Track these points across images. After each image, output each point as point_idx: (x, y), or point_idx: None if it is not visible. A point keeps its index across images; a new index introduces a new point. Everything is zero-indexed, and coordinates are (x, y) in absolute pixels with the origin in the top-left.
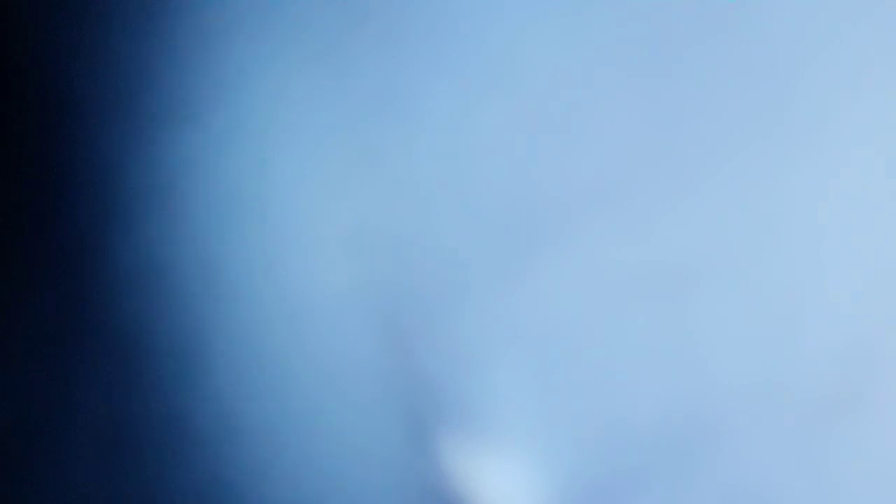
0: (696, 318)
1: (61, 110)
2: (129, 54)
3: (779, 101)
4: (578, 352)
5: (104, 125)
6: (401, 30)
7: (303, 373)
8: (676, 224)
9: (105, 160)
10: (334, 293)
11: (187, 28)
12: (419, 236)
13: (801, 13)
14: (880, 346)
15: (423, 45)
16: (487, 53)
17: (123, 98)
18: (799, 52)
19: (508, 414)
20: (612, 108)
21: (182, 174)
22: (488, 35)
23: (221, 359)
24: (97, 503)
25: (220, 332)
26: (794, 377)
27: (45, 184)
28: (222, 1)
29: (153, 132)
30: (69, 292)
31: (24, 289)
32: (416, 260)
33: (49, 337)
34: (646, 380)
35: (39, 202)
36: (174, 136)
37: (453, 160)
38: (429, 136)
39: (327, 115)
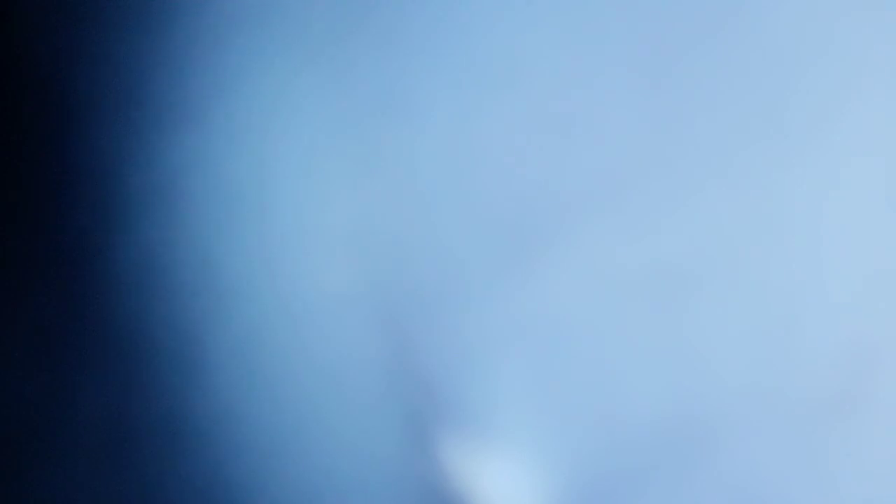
0: (696, 318)
1: (61, 110)
2: (129, 54)
3: (779, 101)
4: (579, 352)
5: (104, 125)
6: (401, 30)
7: (302, 372)
8: (677, 224)
9: (105, 160)
10: (334, 293)
11: (187, 28)
12: (419, 236)
13: (801, 14)
14: (880, 347)
15: (423, 45)
16: (488, 53)
17: (123, 98)
18: (799, 53)
19: (508, 414)
20: (612, 109)
21: (182, 174)
22: (488, 35)
23: (221, 358)
24: (97, 503)
25: (219, 332)
26: (794, 377)
27: (45, 184)
28: (222, 1)
29: (153, 132)
30: (69, 292)
31: (24, 289)
32: (416, 260)
33: (49, 337)
34: (646, 380)
35: (39, 202)
36: (174, 136)
37: (453, 160)
38: (429, 136)
39: (327, 115)
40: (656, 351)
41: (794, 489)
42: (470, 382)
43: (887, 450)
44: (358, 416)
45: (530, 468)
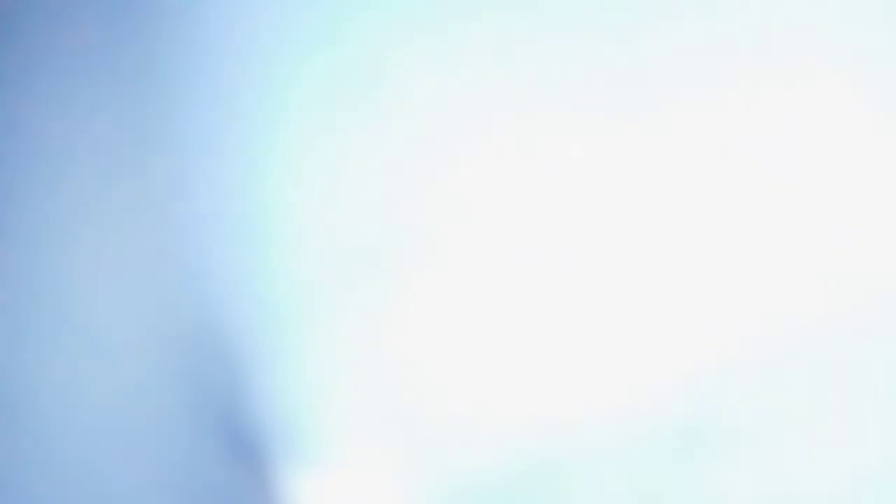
0: (543, 349)
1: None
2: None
3: (657, 95)
4: (427, 383)
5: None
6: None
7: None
8: (534, 252)
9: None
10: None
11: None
12: (257, 263)
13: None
14: (733, 373)
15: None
16: (350, 60)
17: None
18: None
19: (355, 447)
20: (479, 128)
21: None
22: (349, 39)
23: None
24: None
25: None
26: (649, 406)
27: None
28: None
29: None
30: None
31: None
32: (256, 288)
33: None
34: (499, 411)
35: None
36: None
37: (307, 178)
38: (274, 151)
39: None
40: (507, 381)
41: None
42: (313, 416)
43: (742, 483)
44: (195, 452)
45: (377, 499)
